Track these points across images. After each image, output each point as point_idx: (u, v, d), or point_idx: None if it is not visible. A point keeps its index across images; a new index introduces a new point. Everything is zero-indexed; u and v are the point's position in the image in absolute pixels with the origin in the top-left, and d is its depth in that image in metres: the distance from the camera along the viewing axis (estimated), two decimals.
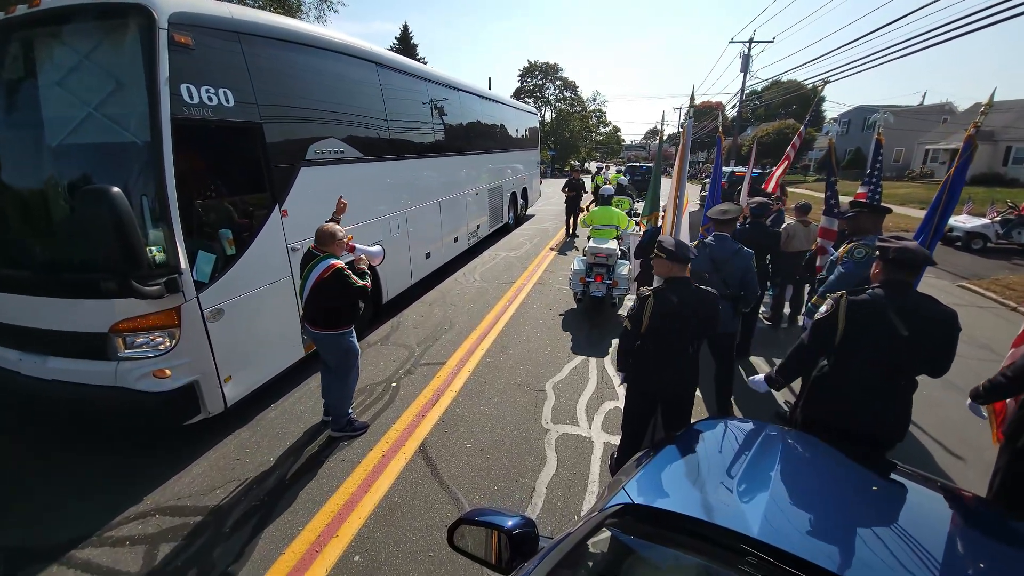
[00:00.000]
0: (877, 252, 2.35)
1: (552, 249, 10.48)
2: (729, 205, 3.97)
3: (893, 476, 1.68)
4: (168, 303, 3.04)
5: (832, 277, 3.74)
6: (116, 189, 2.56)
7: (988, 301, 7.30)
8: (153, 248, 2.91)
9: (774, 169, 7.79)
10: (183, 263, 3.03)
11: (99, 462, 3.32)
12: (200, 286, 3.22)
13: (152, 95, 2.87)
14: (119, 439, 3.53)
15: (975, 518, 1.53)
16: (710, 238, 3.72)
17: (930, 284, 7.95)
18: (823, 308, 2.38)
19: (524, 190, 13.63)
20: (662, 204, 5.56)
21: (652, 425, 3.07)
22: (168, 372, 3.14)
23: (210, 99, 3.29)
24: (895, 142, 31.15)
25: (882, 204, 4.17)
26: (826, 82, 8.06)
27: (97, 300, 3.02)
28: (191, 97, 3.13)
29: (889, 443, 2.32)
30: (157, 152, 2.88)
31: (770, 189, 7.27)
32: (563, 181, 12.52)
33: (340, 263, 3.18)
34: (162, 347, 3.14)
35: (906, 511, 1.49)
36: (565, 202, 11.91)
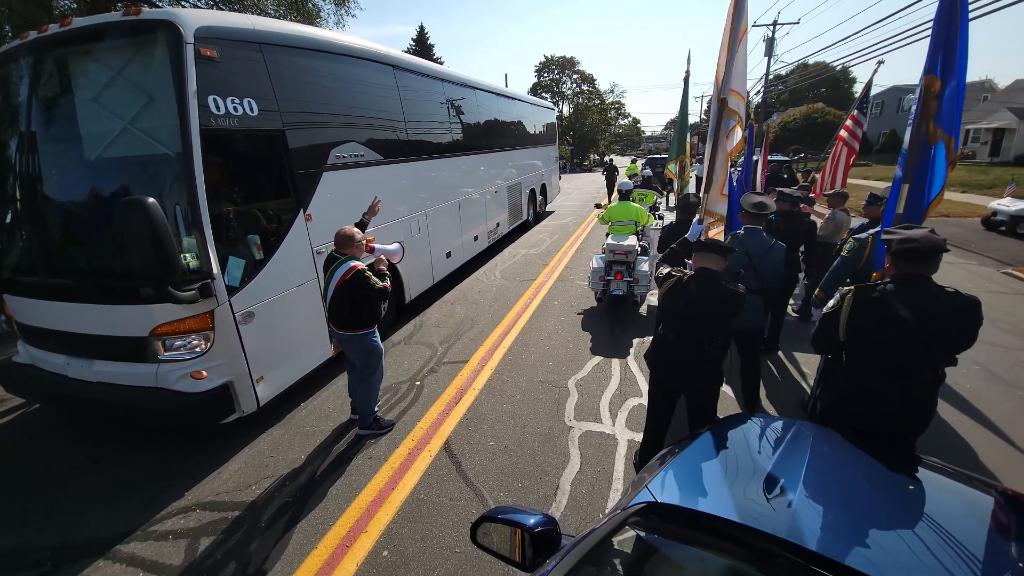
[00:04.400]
0: (883, 245, 2.26)
1: (581, 232, 10.45)
2: (766, 199, 3.82)
3: (927, 474, 1.62)
4: (202, 307, 3.17)
5: (828, 272, 3.77)
6: (151, 199, 2.68)
7: None
8: (187, 255, 3.05)
9: (826, 161, 7.15)
10: (215, 268, 3.16)
11: (143, 460, 3.50)
12: (231, 290, 3.34)
13: (182, 107, 2.99)
14: (160, 438, 3.70)
15: (1016, 516, 1.46)
16: (741, 232, 3.62)
17: (972, 271, 7.57)
18: (831, 303, 2.32)
19: (543, 186, 13.59)
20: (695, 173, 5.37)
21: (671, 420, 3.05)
22: (204, 373, 3.28)
23: (235, 109, 3.39)
24: None
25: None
26: (880, 63, 7.51)
27: (137, 305, 3.18)
28: (218, 108, 3.24)
29: (909, 436, 2.24)
30: (188, 162, 3.00)
31: (839, 186, 6.66)
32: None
33: (361, 265, 3.25)
34: (198, 349, 3.28)
35: (941, 510, 1.44)
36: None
